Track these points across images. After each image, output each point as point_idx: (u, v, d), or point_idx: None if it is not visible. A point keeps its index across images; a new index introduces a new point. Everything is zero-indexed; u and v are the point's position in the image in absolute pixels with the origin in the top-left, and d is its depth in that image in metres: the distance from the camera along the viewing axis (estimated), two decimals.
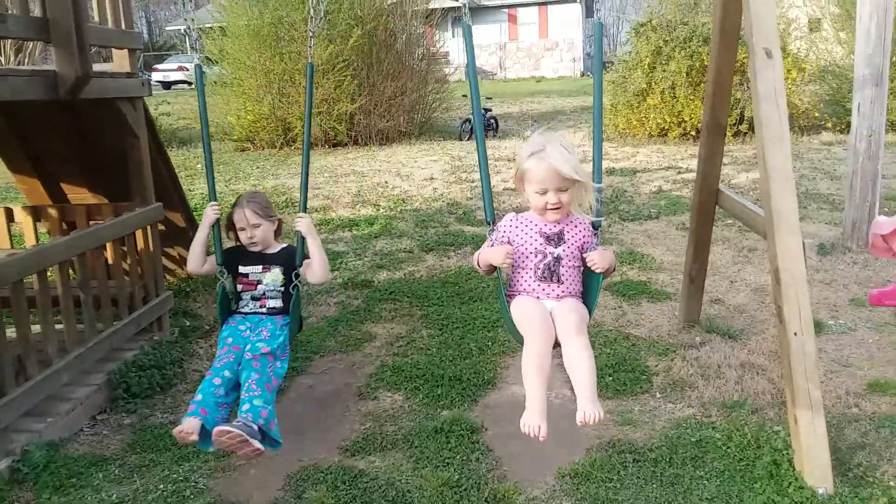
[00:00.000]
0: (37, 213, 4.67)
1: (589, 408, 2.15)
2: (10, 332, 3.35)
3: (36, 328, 3.47)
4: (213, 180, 3.38)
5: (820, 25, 14.82)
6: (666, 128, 12.18)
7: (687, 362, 4.08)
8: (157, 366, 4.15)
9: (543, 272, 2.27)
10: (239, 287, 3.18)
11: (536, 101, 21.44)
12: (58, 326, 3.59)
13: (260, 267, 3.18)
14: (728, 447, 3.19)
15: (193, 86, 4.19)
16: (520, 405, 3.76)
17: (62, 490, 3.06)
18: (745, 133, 11.61)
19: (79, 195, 5.16)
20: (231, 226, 3.26)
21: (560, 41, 36.66)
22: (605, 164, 10.26)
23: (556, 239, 2.29)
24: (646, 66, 12.10)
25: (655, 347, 4.32)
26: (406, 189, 8.99)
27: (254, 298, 3.17)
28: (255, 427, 2.70)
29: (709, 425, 3.43)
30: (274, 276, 3.17)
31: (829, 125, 12.26)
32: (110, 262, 4.13)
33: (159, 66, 34.68)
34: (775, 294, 2.96)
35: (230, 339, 3.06)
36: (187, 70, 31.04)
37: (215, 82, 14.56)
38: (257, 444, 2.65)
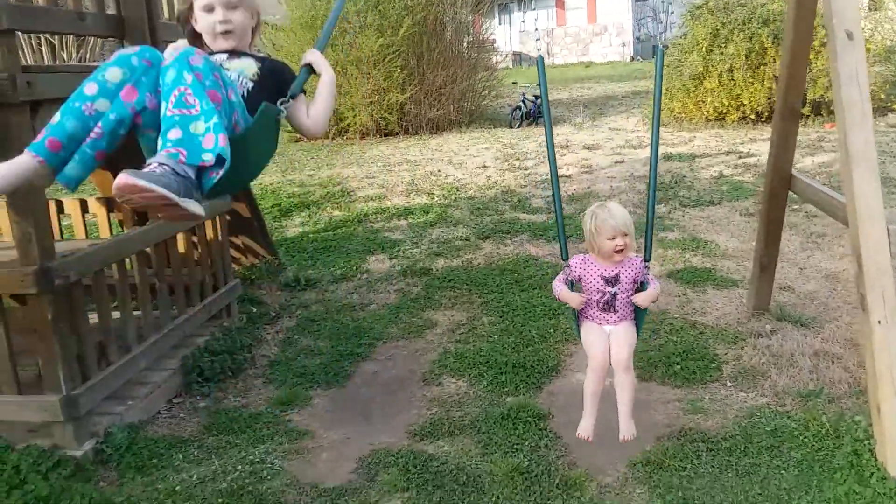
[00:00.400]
0: (110, 205, 4.82)
1: (625, 428, 2.79)
2: (92, 319, 3.48)
3: (115, 315, 3.60)
4: None
5: (883, 4, 14.23)
6: (724, 111, 11.87)
7: (758, 350, 4.00)
8: (228, 351, 4.27)
9: (603, 306, 2.81)
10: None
11: (586, 86, 21.14)
12: (135, 314, 3.72)
13: (225, 56, 2.09)
14: (805, 437, 3.12)
15: None
16: (583, 392, 3.77)
17: (144, 470, 3.18)
18: (808, 115, 11.24)
19: None
20: (187, 14, 2.15)
21: (609, 25, 36.01)
22: (663, 150, 10.08)
23: (613, 280, 2.80)
24: (703, 49, 11.79)
25: (724, 335, 4.24)
26: (459, 177, 9.00)
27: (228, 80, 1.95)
28: (177, 170, 1.71)
29: (784, 414, 3.35)
30: (243, 64, 2.07)
31: None
32: (182, 251, 4.24)
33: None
34: (858, 282, 2.87)
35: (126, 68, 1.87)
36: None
37: None
38: (160, 191, 1.62)
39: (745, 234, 6.11)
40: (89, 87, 1.85)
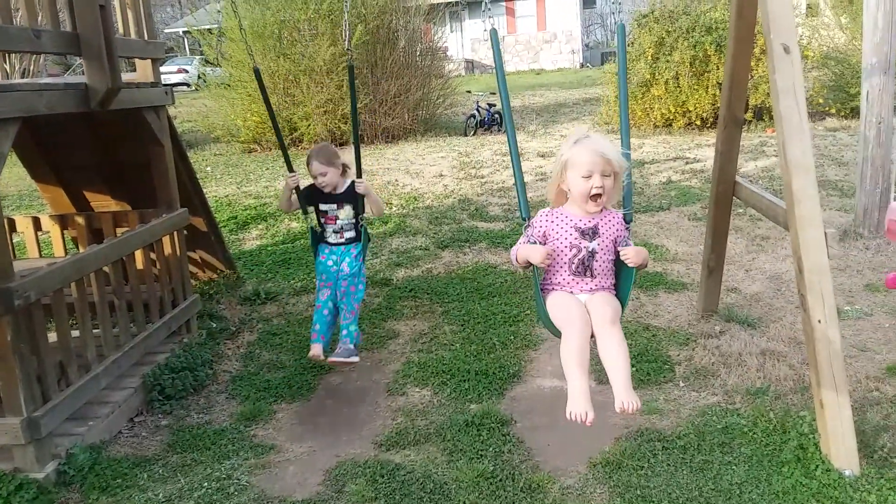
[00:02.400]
0: (64, 222, 4.75)
1: (626, 397, 2.25)
2: (51, 338, 3.43)
3: (73, 334, 3.56)
4: (287, 155, 4.21)
5: (818, 10, 14.84)
6: (671, 118, 12.24)
7: (708, 351, 4.17)
8: (189, 367, 4.24)
9: (577, 267, 2.34)
10: (322, 220, 4.06)
11: (538, 94, 21.46)
12: (94, 332, 3.69)
13: (335, 205, 4.01)
14: (754, 433, 3.28)
15: (193, 87, 4.43)
16: (545, 398, 3.88)
17: (109, 490, 3.16)
18: (750, 121, 11.66)
19: (101, 202, 5.25)
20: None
21: (558, 33, 36.63)
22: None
23: (591, 233, 2.34)
24: (649, 57, 12.14)
25: (676, 337, 4.40)
26: (417, 186, 9.07)
27: (335, 232, 4.06)
28: (353, 346, 3.94)
29: (734, 412, 3.51)
30: (347, 213, 4.02)
31: (834, 111, 12.31)
32: (140, 267, 4.21)
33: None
34: (799, 284, 3.04)
35: (324, 276, 4.05)
36: (187, 72, 31.07)
37: (219, 84, 14.63)
38: (356, 359, 3.96)
39: (694, 238, 6.33)
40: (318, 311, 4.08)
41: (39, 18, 3.41)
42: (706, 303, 4.64)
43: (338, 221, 4.04)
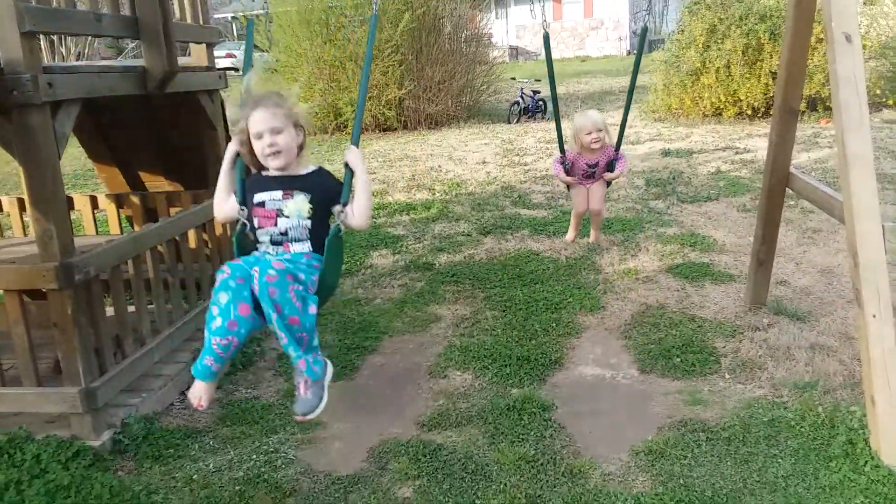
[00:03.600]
0: (119, 201, 4.90)
1: (594, 237, 4.83)
2: (108, 313, 3.56)
3: (129, 309, 3.69)
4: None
5: None
6: (721, 107, 11.99)
7: (755, 344, 4.11)
8: None
9: (586, 174, 4.29)
10: (256, 221, 2.44)
11: (583, 81, 21.23)
12: (148, 308, 3.81)
13: (280, 192, 2.41)
14: (801, 427, 3.23)
15: (240, 71, 4.08)
16: (588, 385, 3.90)
17: (161, 460, 3.27)
18: (804, 112, 11.35)
19: (155, 183, 5.38)
20: (246, 143, 2.46)
21: (605, 19, 36.08)
22: (660, 145, 10.17)
23: (594, 165, 4.25)
24: (699, 45, 11.90)
25: (722, 329, 4.35)
26: (459, 173, 9.08)
27: (273, 242, 2.41)
28: (320, 385, 2.51)
29: (781, 405, 3.46)
30: (298, 205, 2.39)
31: (891, 102, 11.90)
32: (193, 247, 4.33)
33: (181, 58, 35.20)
34: (854, 277, 2.97)
35: (228, 273, 2.32)
36: (235, 57, 31.55)
37: (266, 69, 14.83)
38: (324, 404, 2.55)
39: (743, 229, 6.21)
40: (215, 318, 2.31)
41: (100, 2, 3.50)
42: (755, 295, 4.56)
43: (279, 222, 2.41)
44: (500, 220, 6.87)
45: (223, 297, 2.28)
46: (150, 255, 3.77)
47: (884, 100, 12.02)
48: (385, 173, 9.27)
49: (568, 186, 4.46)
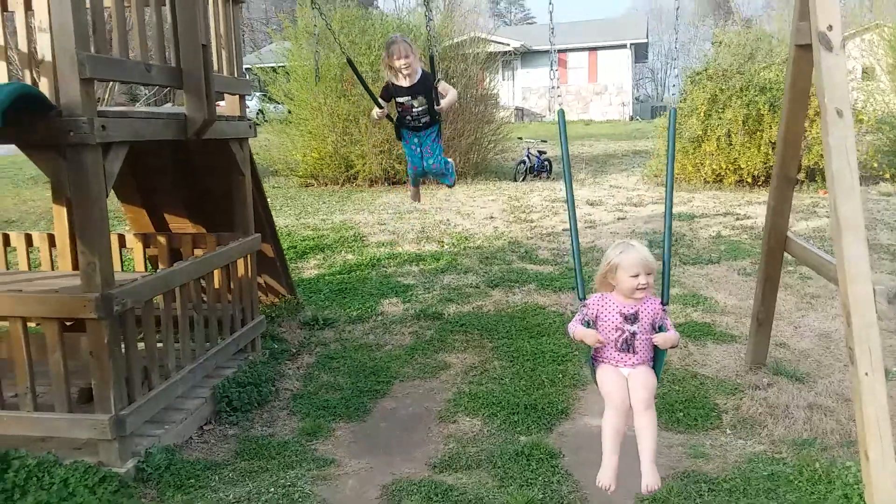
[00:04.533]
0: (146, 240, 5.11)
1: (650, 479, 2.76)
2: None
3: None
4: (373, 94, 4.27)
5: (873, 74, 14.87)
6: (721, 174, 12.33)
7: (755, 402, 4.25)
8: (255, 383, 4.50)
9: (622, 345, 2.80)
10: (399, 109, 4.21)
11: (587, 144, 21.72)
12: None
13: (409, 97, 4.14)
14: (800, 481, 3.36)
15: (255, 121, 4.88)
16: (593, 435, 4.00)
17: (183, 489, 3.39)
18: (802, 181, 11.68)
19: (179, 225, 5.61)
20: (386, 65, 4.15)
21: (609, 85, 37.06)
22: (663, 209, 10.43)
23: (633, 318, 2.80)
24: (701, 114, 12.32)
25: (724, 386, 4.50)
26: (468, 227, 9.33)
27: (412, 118, 4.22)
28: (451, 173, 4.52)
29: (780, 461, 3.60)
30: (420, 102, 4.15)
31: (888, 176, 12.24)
32: (216, 286, 4.51)
33: (221, 103, 36.16)
34: (847, 337, 3.15)
35: (411, 159, 4.40)
36: (248, 107, 32.27)
37: (280, 121, 15.29)
38: (451, 181, 4.58)
39: (743, 292, 6.41)
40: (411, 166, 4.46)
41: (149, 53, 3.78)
42: (755, 355, 4.72)
43: (413, 110, 4.18)
44: (507, 273, 7.08)
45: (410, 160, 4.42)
46: (179, 292, 3.96)
47: (881, 173, 12.37)
48: (395, 225, 9.52)
49: (593, 359, 2.93)
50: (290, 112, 14.85)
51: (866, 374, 3.04)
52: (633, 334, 2.79)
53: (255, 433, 4.06)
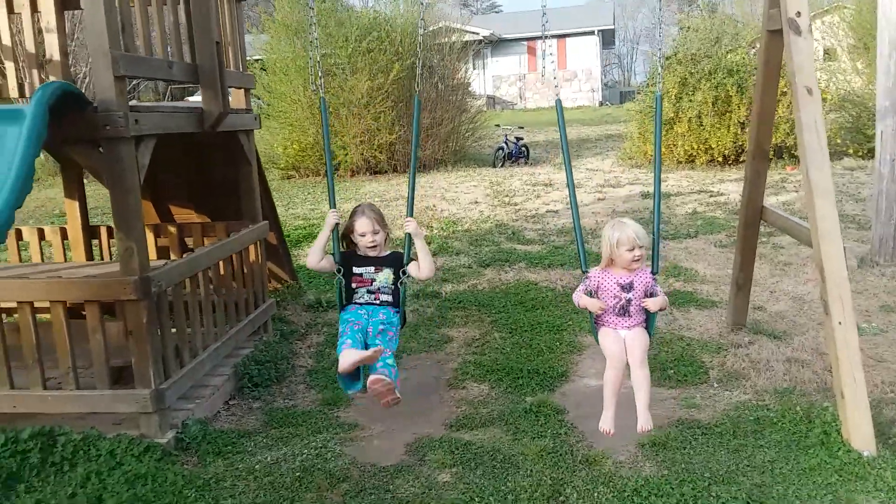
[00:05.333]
0: (157, 231, 5.32)
1: (644, 420, 3.31)
2: None
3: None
4: (333, 191, 3.83)
5: (835, 55, 15.45)
6: (693, 154, 12.79)
7: (738, 358, 4.63)
8: (271, 360, 4.76)
9: (619, 311, 3.31)
10: (354, 285, 3.55)
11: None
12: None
13: (373, 268, 3.56)
14: (783, 423, 3.73)
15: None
16: (592, 394, 4.37)
17: (222, 455, 3.65)
18: (771, 158, 12.16)
19: (184, 216, 5.82)
20: (347, 233, 3.64)
21: (578, 72, 37.53)
22: (640, 188, 10.86)
23: (628, 287, 3.30)
24: (672, 97, 12.74)
25: (708, 346, 4.87)
26: (454, 212, 9.63)
27: (369, 292, 3.56)
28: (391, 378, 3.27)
29: (764, 407, 3.97)
30: (386, 276, 3.56)
31: (851, 151, 12.81)
32: (233, 270, 4.75)
33: (190, 98, 35.88)
34: (822, 291, 3.52)
35: (352, 319, 3.45)
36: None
37: (260, 114, 15.40)
38: (398, 394, 3.31)
39: (720, 262, 6.81)
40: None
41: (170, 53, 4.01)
42: (735, 317, 5.10)
43: (374, 284, 3.55)
44: (497, 253, 7.39)
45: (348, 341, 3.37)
46: (203, 276, 4.20)
47: (845, 149, 12.92)
48: (383, 212, 9.75)
49: (595, 323, 3.41)
50: (268, 105, 14.98)
51: (839, 322, 3.41)
52: (629, 301, 3.29)
53: (278, 405, 4.33)
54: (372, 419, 4.11)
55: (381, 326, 3.44)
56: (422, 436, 3.84)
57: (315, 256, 3.61)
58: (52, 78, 4.32)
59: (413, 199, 3.75)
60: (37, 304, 3.56)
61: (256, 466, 3.48)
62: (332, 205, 3.70)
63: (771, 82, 4.39)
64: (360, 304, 3.55)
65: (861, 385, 3.38)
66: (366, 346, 3.34)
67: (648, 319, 3.40)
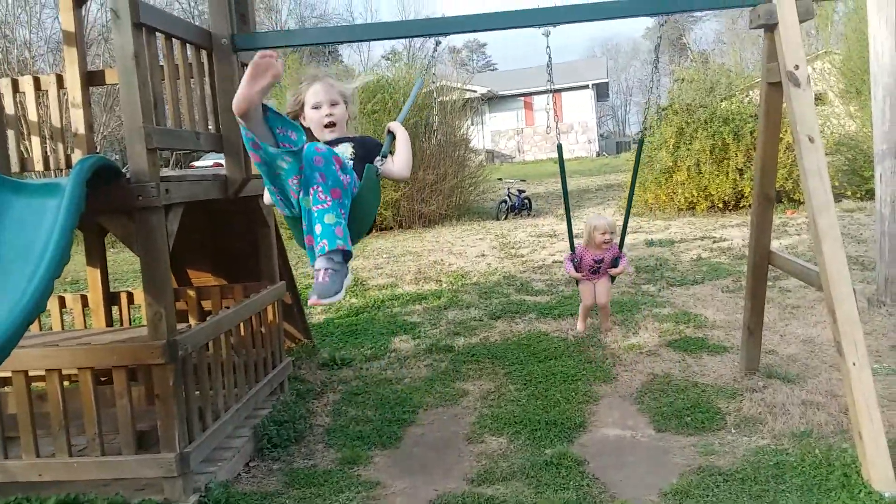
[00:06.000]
0: (177, 294, 5.41)
1: (604, 325, 5.53)
2: None
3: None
4: None
5: (827, 99, 15.80)
6: (694, 201, 12.97)
7: (754, 403, 4.66)
8: (290, 420, 4.79)
9: (592, 271, 5.05)
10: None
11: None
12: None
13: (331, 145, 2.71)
14: (803, 466, 3.75)
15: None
16: (612, 443, 4.39)
17: None
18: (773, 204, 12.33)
19: (201, 279, 5.93)
20: (296, 113, 2.87)
21: (574, 124, 38.22)
22: (643, 237, 10.99)
23: (599, 260, 4.98)
24: (670, 146, 13.01)
25: (723, 392, 4.90)
26: (462, 265, 9.74)
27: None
28: (339, 259, 2.50)
29: (783, 451, 3.99)
30: (343, 149, 2.74)
31: (849, 193, 12.99)
32: (252, 331, 4.83)
33: (196, 164, 36.53)
34: (834, 333, 3.59)
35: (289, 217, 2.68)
36: (222, 166, 32.59)
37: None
38: (340, 297, 2.50)
39: (729, 307, 6.87)
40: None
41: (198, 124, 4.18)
42: (748, 362, 5.15)
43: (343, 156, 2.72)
44: (507, 305, 7.47)
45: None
46: (224, 338, 4.28)
47: (843, 191, 13.11)
48: (392, 267, 9.90)
49: (577, 282, 5.19)
50: None
51: (853, 364, 3.47)
52: (599, 265, 4.99)
53: (297, 465, 4.35)
54: (392, 477, 4.13)
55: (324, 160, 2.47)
56: (444, 492, 3.86)
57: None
58: (76, 151, 4.52)
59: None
60: (64, 372, 3.64)
61: None
62: None
63: (772, 132, 4.55)
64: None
65: (878, 425, 3.42)
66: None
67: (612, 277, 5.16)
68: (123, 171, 3.49)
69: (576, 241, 5.15)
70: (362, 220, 2.73)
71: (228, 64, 4.17)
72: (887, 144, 6.22)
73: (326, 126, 2.78)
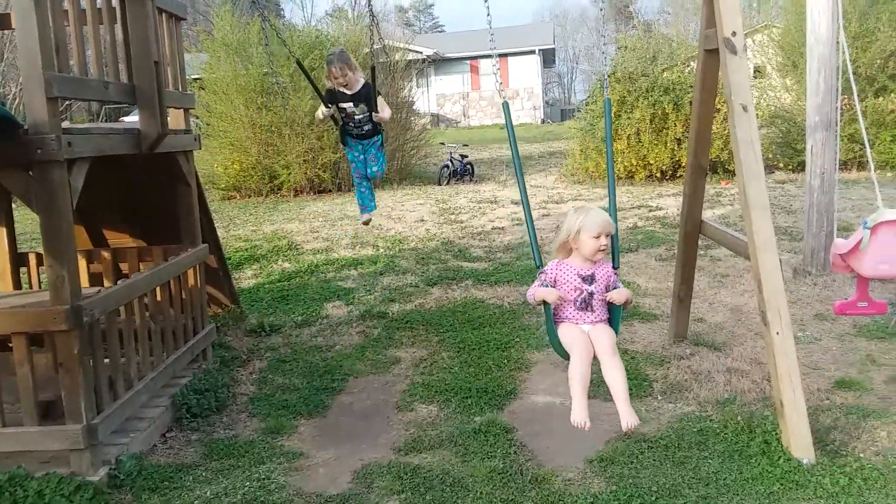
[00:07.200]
0: (91, 257, 5.11)
1: (627, 416, 3.01)
2: None
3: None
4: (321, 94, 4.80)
5: (765, 72, 16.10)
6: (633, 170, 13.08)
7: (681, 370, 4.70)
8: (211, 389, 4.60)
9: (580, 304, 3.05)
10: (343, 117, 4.72)
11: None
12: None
13: (351, 103, 4.64)
14: (725, 433, 3.79)
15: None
16: (541, 410, 4.36)
17: (158, 491, 3.50)
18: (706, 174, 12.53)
19: (119, 240, 5.62)
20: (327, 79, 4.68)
21: (521, 90, 38.10)
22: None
23: (590, 279, 3.06)
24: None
25: (652, 359, 4.93)
26: (400, 230, 9.58)
27: (355, 126, 4.75)
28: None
29: (706, 418, 4.03)
30: (361, 110, 4.66)
31: (781, 165, 13.31)
32: (170, 296, 4.59)
33: (125, 118, 34.96)
34: (759, 302, 3.61)
35: (354, 164, 4.94)
36: None
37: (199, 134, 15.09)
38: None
39: (661, 275, 6.94)
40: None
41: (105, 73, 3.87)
42: (677, 329, 5.19)
43: (356, 117, 4.69)
44: (444, 272, 7.37)
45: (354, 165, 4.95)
46: (138, 303, 4.05)
47: (775, 163, 13.43)
48: (328, 232, 9.66)
49: (553, 319, 3.10)
50: (207, 125, 14.68)
51: (777, 332, 3.49)
52: (591, 294, 3.03)
53: (218, 436, 4.18)
54: (317, 446, 4.02)
55: (373, 156, 4.84)
56: (369, 461, 3.76)
57: (318, 118, 4.91)
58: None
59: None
60: None
61: (195, 502, 3.35)
62: (327, 106, 4.75)
63: (707, 100, 4.51)
64: (352, 135, 4.80)
65: (799, 394, 3.47)
66: (365, 172, 4.91)
67: (613, 315, 3.12)
68: (20, 122, 3.19)
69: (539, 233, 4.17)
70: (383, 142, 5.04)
71: (142, 7, 3.86)
72: (819, 116, 6.31)
73: (343, 86, 4.62)
